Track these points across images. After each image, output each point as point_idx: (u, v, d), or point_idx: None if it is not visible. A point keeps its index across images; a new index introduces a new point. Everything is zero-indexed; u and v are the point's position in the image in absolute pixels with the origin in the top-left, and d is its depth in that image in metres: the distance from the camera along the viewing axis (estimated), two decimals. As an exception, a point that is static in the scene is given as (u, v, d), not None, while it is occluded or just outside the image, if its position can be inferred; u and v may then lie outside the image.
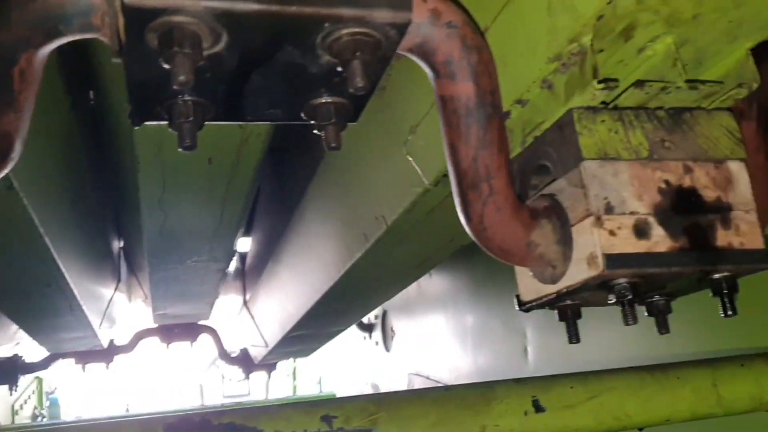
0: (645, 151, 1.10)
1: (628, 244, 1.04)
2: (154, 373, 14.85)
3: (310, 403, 1.19)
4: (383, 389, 5.36)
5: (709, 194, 1.11)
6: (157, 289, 3.31)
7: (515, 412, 1.27)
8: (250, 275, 4.30)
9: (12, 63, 0.83)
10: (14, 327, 3.68)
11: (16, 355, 4.99)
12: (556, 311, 1.21)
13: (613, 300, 1.07)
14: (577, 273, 1.07)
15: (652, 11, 0.99)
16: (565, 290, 1.10)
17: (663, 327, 1.22)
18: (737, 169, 1.14)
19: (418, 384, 4.76)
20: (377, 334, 5.55)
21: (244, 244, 4.36)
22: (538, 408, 1.28)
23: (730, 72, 1.14)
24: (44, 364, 5.01)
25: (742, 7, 1.02)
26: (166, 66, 0.75)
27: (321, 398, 1.18)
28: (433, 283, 4.50)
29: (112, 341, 5.09)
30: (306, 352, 4.82)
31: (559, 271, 1.11)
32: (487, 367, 3.92)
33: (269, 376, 5.40)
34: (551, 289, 1.14)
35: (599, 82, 1.03)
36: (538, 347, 3.40)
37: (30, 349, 5.05)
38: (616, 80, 1.04)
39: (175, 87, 0.74)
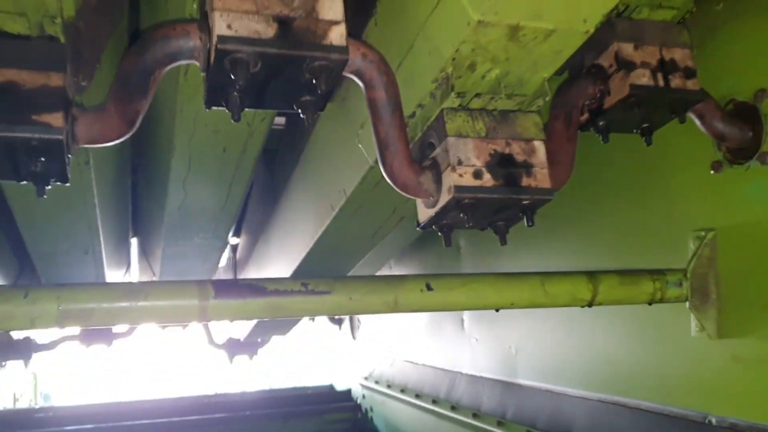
0: (483, 133, 1.96)
1: (469, 181, 1.89)
2: (148, 367, 15.40)
3: (296, 277, 2.03)
4: (349, 371, 6.19)
5: (520, 158, 1.97)
6: (167, 266, 4.11)
7: (416, 289, 2.11)
8: (241, 264, 5.12)
9: (151, 73, 1.68)
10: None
11: (28, 337, 5.71)
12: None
13: (465, 218, 1.92)
14: (443, 198, 1.92)
15: (482, 56, 1.86)
16: (440, 209, 1.96)
17: (503, 241, 2.08)
18: (538, 145, 2.01)
19: (380, 363, 5.58)
20: (346, 325, 6.36)
21: (235, 240, 5.18)
22: (429, 288, 2.12)
23: (536, 90, 2.02)
24: (52, 345, 5.74)
25: (533, 53, 1.89)
26: (232, 77, 1.60)
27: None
28: (392, 273, 5.34)
29: (110, 328, 5.83)
30: (284, 329, 5.61)
31: (436, 199, 1.97)
32: (432, 344, 4.73)
33: (251, 359, 6.16)
34: (432, 211, 1.99)
35: (456, 95, 1.90)
36: (471, 321, 4.24)
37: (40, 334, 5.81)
38: (464, 93, 1.91)
39: (236, 88, 1.60)
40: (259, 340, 6.04)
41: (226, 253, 5.21)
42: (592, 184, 2.98)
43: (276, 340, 6.78)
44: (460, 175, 1.90)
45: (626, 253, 2.83)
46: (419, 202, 2.07)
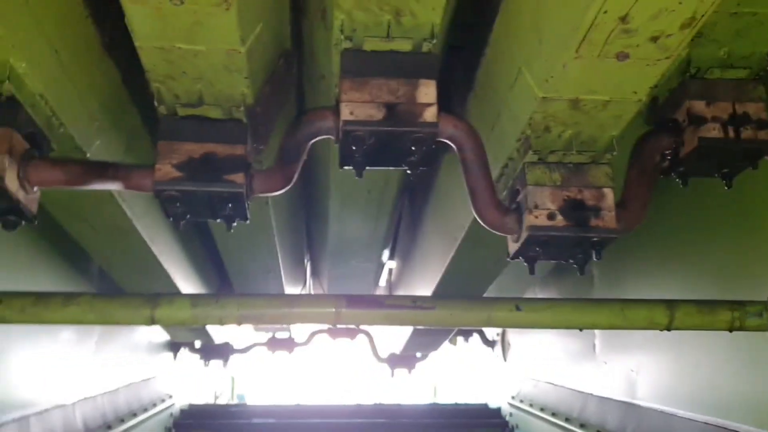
0: (558, 182, 2.41)
1: (543, 222, 2.35)
2: (324, 376, 16.83)
3: (407, 296, 2.59)
4: (500, 390, 6.61)
5: (590, 202, 2.39)
6: (333, 284, 4.88)
7: (506, 309, 2.58)
8: (395, 284, 5.80)
9: (302, 145, 2.36)
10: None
11: (227, 343, 6.81)
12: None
13: (541, 251, 2.38)
14: (523, 235, 2.39)
15: (553, 121, 2.32)
16: (521, 244, 2.42)
17: (581, 271, 2.50)
18: (608, 192, 2.41)
19: (526, 384, 5.95)
20: (498, 348, 6.79)
21: (391, 264, 5.88)
22: (518, 308, 2.59)
23: (606, 146, 2.43)
24: (245, 349, 6.78)
25: (597, 118, 2.31)
26: (354, 148, 2.22)
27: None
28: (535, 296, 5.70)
29: (291, 337, 6.78)
30: (433, 345, 6.18)
31: (518, 235, 2.44)
32: (568, 368, 5.04)
33: (409, 372, 6.77)
34: (517, 245, 2.47)
35: (533, 152, 2.38)
36: (602, 347, 4.52)
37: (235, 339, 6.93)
38: (541, 150, 2.38)
39: (358, 154, 2.22)
40: (417, 355, 6.66)
41: (385, 275, 5.93)
42: (700, 222, 3.25)
43: (436, 358, 7.36)
44: (536, 217, 2.36)
45: (724, 283, 3.07)
46: (509, 237, 2.56)
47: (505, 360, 6.55)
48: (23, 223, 2.23)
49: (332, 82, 2.52)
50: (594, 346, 4.56)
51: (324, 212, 3.81)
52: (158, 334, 5.86)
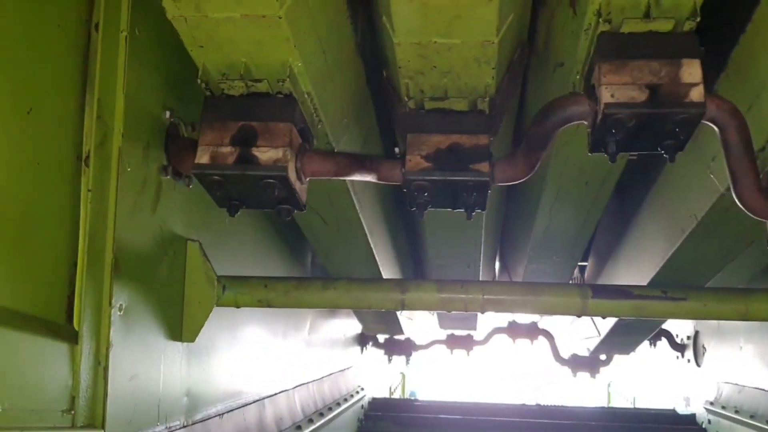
0: (831, 162, 2.25)
1: (813, 205, 2.20)
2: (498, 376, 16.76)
3: (655, 287, 2.52)
4: (690, 395, 6.28)
5: None
6: (529, 279, 4.85)
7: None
8: (589, 281, 5.66)
9: (551, 133, 2.36)
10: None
11: (409, 338, 6.96)
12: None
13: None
14: (792, 221, 2.26)
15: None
16: (788, 231, 2.29)
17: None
18: None
19: (727, 389, 5.59)
20: (689, 352, 6.43)
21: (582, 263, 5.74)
22: None
23: None
24: (426, 346, 6.90)
25: None
26: (613, 131, 2.19)
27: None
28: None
29: (470, 335, 6.82)
30: (627, 348, 5.95)
31: (785, 222, 2.30)
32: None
33: (592, 376, 6.57)
34: (782, 232, 2.33)
35: (798, 131, 2.24)
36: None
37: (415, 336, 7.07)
38: (805, 130, 2.23)
39: (614, 139, 2.19)
40: (602, 358, 6.45)
41: (575, 274, 5.79)
42: None
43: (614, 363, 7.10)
44: (805, 201, 2.22)
45: None
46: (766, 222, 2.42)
47: (698, 365, 6.19)
48: (294, 212, 2.41)
49: (574, 69, 2.51)
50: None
51: (533, 205, 3.79)
52: (352, 325, 6.10)
